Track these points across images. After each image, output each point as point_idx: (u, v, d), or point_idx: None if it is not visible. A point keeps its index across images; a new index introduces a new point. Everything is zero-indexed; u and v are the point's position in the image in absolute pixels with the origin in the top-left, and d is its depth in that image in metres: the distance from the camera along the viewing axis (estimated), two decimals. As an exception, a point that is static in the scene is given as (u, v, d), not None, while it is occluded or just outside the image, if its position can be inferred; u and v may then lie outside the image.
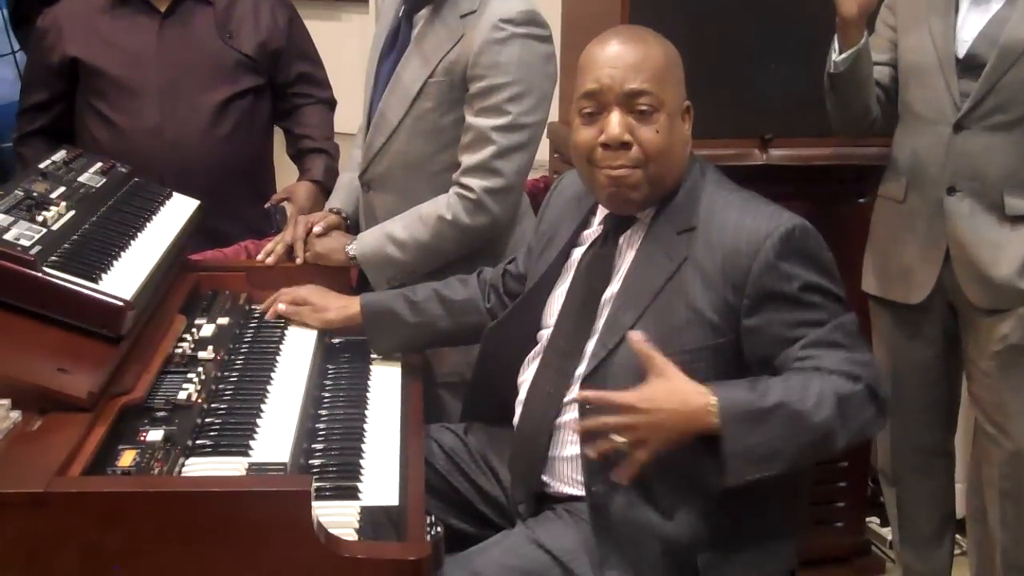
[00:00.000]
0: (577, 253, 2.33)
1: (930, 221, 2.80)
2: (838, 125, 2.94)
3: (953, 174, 2.75)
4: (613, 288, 2.22)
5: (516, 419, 2.32)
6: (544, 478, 2.24)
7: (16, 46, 3.90)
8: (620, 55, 2.15)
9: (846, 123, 2.92)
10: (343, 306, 2.58)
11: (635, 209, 2.21)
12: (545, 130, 2.77)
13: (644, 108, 2.13)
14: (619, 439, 1.99)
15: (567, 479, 2.22)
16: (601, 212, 2.31)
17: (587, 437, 2.10)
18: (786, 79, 3.04)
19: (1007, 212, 2.72)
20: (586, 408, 2.11)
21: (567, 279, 2.32)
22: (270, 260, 2.79)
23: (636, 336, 2.04)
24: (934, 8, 2.78)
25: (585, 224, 2.35)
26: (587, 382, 2.16)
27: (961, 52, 2.73)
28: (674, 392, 1.99)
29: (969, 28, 2.74)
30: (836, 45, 2.76)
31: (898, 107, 2.90)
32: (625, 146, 2.13)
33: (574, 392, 2.19)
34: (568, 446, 2.20)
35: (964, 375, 2.94)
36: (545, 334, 2.32)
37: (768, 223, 2.09)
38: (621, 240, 2.24)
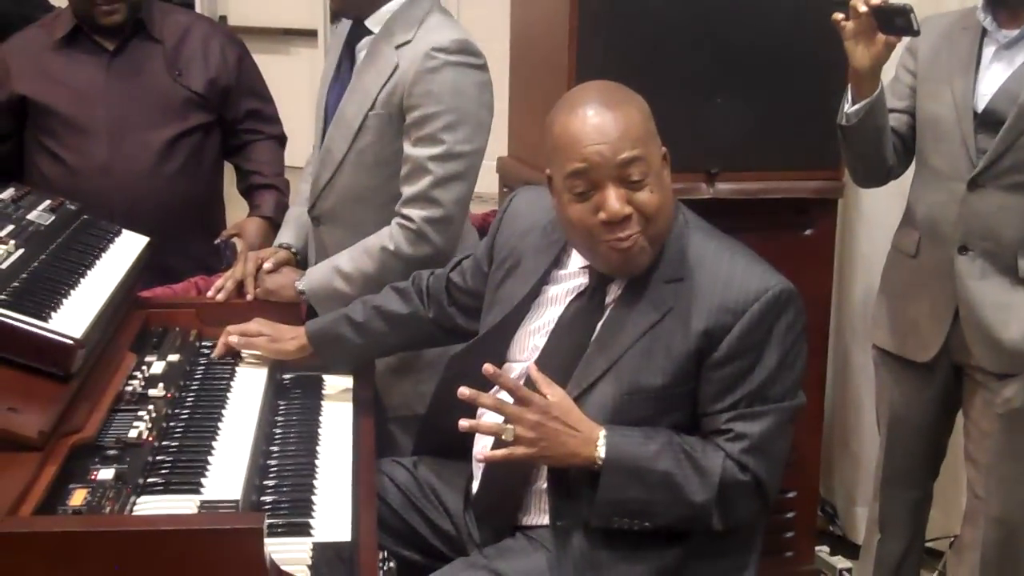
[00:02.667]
0: (552, 292, 2.30)
1: (941, 279, 2.73)
2: (854, 175, 2.89)
3: (965, 233, 2.67)
4: (594, 336, 2.21)
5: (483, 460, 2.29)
6: (518, 513, 2.25)
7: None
8: (600, 127, 2.07)
9: (861, 173, 2.87)
10: (295, 336, 2.58)
11: (641, 269, 2.16)
12: (494, 163, 2.77)
13: (637, 177, 2.07)
14: (509, 428, 2.05)
15: (537, 509, 2.23)
16: (578, 256, 2.26)
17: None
18: (732, 113, 3.04)
19: (1021, 275, 2.64)
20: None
21: (539, 315, 2.30)
22: (220, 296, 2.79)
23: (533, 368, 2.12)
24: (957, 58, 2.68)
25: (558, 262, 2.32)
26: None
27: (980, 106, 2.64)
28: (580, 418, 2.08)
29: (989, 81, 2.64)
30: (848, 96, 2.66)
31: (915, 157, 2.83)
32: (627, 217, 2.08)
33: None
34: (541, 479, 2.21)
35: (963, 432, 2.89)
36: (515, 369, 2.28)
37: (758, 283, 2.10)
38: (609, 294, 2.22)
